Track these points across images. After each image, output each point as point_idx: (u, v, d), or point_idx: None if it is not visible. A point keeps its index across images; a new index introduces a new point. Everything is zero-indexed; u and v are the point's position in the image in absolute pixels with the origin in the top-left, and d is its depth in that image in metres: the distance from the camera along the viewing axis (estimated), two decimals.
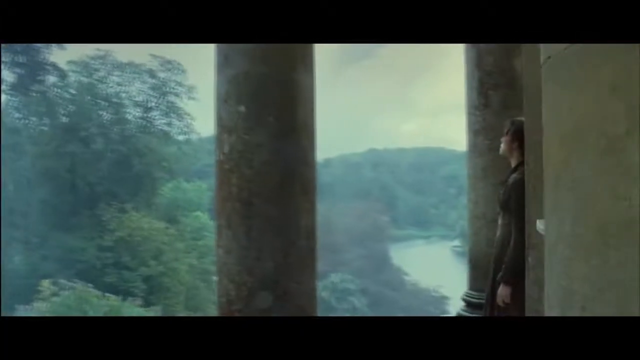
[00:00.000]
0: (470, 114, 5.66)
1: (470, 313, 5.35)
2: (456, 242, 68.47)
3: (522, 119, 3.63)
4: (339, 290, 40.28)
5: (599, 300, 1.32)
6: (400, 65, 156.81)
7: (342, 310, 38.09)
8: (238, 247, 4.04)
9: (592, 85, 1.33)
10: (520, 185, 3.57)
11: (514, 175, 3.96)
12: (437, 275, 46.52)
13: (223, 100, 4.10)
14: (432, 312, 38.44)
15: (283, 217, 4.07)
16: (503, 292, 3.85)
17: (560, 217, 1.46)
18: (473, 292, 5.50)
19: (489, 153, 5.38)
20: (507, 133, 4.13)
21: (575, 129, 1.39)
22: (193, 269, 33.26)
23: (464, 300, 5.63)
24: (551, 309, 1.53)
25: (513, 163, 4.09)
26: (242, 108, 4.01)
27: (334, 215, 41.83)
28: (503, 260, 3.91)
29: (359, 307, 40.28)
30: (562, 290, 1.45)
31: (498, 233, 4.12)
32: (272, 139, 4.02)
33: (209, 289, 31.94)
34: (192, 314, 28.70)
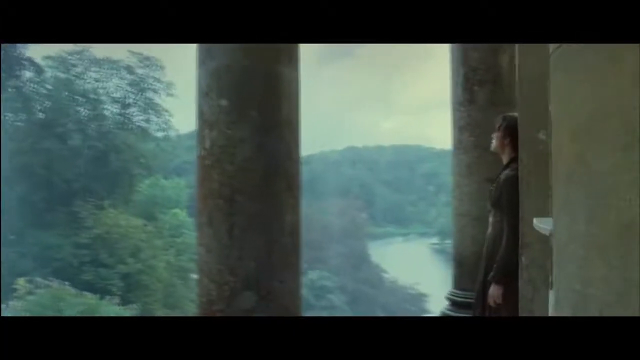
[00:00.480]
0: (456, 110, 5.59)
1: (456, 312, 5.27)
2: (434, 240, 68.98)
3: (515, 114, 3.55)
4: (317, 288, 40.31)
5: (617, 303, 1.24)
6: (379, 63, 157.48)
7: (320, 307, 38.12)
8: (219, 246, 3.93)
9: (612, 76, 1.24)
10: (512, 182, 3.49)
11: (505, 172, 3.87)
12: (416, 272, 46.85)
13: (204, 94, 3.97)
14: (410, 309, 38.68)
15: (266, 214, 3.96)
16: (494, 292, 3.77)
17: (573, 215, 1.37)
18: (458, 291, 5.42)
19: (474, 150, 5.31)
20: (498, 129, 4.03)
21: (591, 122, 1.30)
22: (171, 266, 33.21)
23: (449, 299, 5.54)
24: (562, 310, 1.46)
25: (505, 159, 3.99)
26: (224, 102, 3.89)
27: (313, 213, 41.78)
28: (494, 259, 3.82)
29: (338, 304, 40.39)
30: (574, 292, 1.37)
31: (489, 231, 4.03)
32: (255, 133, 3.91)
33: (187, 287, 31.90)
34: (170, 312, 28.60)
